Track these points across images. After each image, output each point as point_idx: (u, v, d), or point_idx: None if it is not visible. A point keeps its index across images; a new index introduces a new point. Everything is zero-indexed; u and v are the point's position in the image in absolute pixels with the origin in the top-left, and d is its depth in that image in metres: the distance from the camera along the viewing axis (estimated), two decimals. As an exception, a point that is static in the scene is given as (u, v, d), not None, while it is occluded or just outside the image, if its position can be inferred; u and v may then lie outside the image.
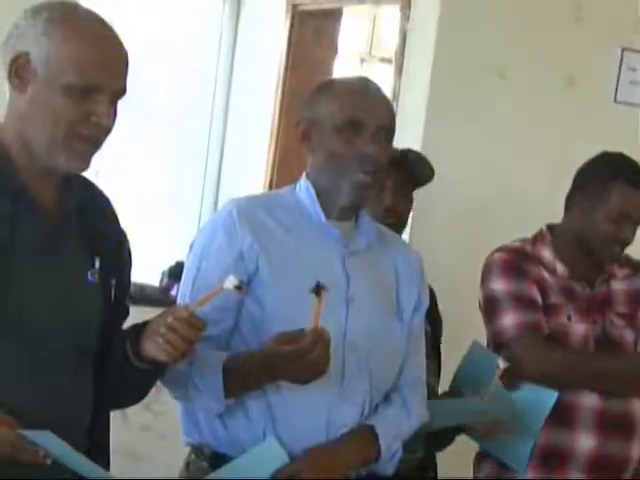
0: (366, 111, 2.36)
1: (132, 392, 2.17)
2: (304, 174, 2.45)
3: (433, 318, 2.92)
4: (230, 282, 2.04)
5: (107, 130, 1.99)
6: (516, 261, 3.01)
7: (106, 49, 1.98)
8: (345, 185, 2.35)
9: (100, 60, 1.96)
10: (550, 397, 2.83)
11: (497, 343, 2.98)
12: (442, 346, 2.97)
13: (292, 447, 2.27)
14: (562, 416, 2.89)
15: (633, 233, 3.01)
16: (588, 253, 3.03)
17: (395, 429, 2.39)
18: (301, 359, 2.14)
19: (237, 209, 2.35)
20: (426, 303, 2.53)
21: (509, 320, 2.96)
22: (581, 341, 2.96)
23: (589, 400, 2.92)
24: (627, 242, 3.01)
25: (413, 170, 2.92)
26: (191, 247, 2.41)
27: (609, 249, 3.01)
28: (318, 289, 2.10)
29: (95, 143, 1.99)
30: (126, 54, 2.02)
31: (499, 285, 3.00)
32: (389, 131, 2.40)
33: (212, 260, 2.32)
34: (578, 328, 2.96)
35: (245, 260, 2.30)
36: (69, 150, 1.96)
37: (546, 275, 3.01)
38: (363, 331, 2.35)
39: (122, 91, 2.00)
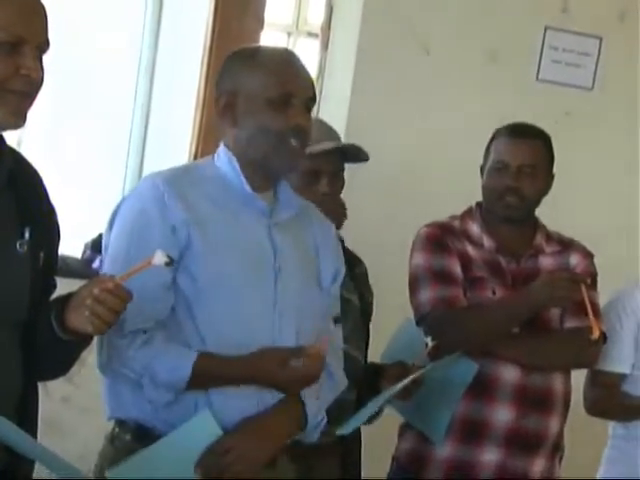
0: (297, 83, 2.37)
1: (58, 364, 2.15)
2: (222, 146, 2.43)
3: (363, 292, 2.94)
4: (159, 258, 2.01)
5: (38, 83, 1.97)
6: (439, 235, 3.04)
7: (25, 2, 1.96)
8: (281, 154, 2.35)
9: (21, 13, 1.94)
10: (470, 368, 2.87)
11: (417, 318, 3.02)
12: (376, 322, 2.97)
13: (223, 419, 2.28)
14: (481, 389, 2.93)
15: (521, 182, 3.00)
16: (493, 217, 3.05)
17: (321, 395, 2.40)
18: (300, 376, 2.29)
19: (163, 181, 2.33)
20: (343, 272, 2.56)
21: (425, 295, 2.99)
22: None
23: (509, 374, 2.95)
24: (516, 191, 3.00)
25: (351, 155, 2.89)
26: (111, 223, 2.38)
27: (499, 201, 3.02)
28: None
29: (28, 97, 1.97)
30: (44, 6, 2.00)
31: (420, 260, 3.03)
32: (314, 102, 2.43)
33: (145, 235, 2.28)
34: None
35: (177, 233, 2.28)
36: (4, 106, 1.94)
37: (471, 249, 3.04)
38: (291, 301, 2.37)
39: (46, 44, 1.99)
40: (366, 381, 2.84)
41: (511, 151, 3.03)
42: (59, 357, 2.11)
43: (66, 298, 2.04)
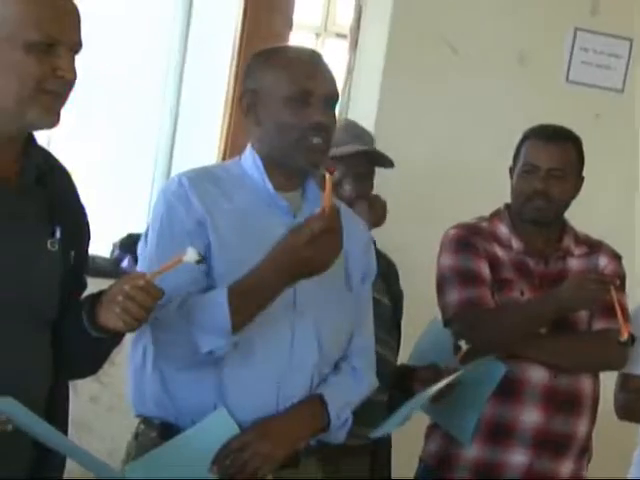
0: (315, 81, 2.36)
1: (89, 362, 2.16)
2: (248, 146, 2.44)
3: (393, 293, 2.93)
4: (190, 256, 2.02)
5: (71, 84, 1.99)
6: (467, 236, 3.03)
7: (58, 3, 1.98)
8: (301, 152, 2.34)
9: (55, 14, 1.96)
10: (498, 370, 2.86)
11: (445, 319, 3.01)
12: (403, 323, 2.97)
13: (242, 418, 2.28)
14: (509, 390, 2.92)
15: (550, 185, 2.98)
16: (521, 219, 3.04)
17: (344, 397, 2.40)
18: (320, 238, 2.15)
19: (187, 179, 2.35)
20: (374, 272, 2.55)
21: (453, 296, 2.98)
22: None
23: (538, 375, 2.95)
24: (545, 194, 2.99)
25: (377, 159, 2.89)
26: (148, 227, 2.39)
27: (528, 204, 3.01)
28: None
29: (62, 97, 1.99)
30: (77, 7, 2.02)
31: (448, 261, 3.03)
32: (336, 100, 2.42)
33: (173, 231, 2.29)
34: None
35: (201, 230, 2.30)
36: (39, 107, 1.96)
37: (499, 251, 3.03)
38: (312, 301, 2.36)
39: (79, 44, 2.00)
40: (398, 383, 2.83)
41: (541, 154, 3.01)
42: (89, 355, 2.12)
43: (97, 295, 2.05)
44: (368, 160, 2.84)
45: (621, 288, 3.02)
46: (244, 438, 2.26)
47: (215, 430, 2.25)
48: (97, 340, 2.04)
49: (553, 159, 3.00)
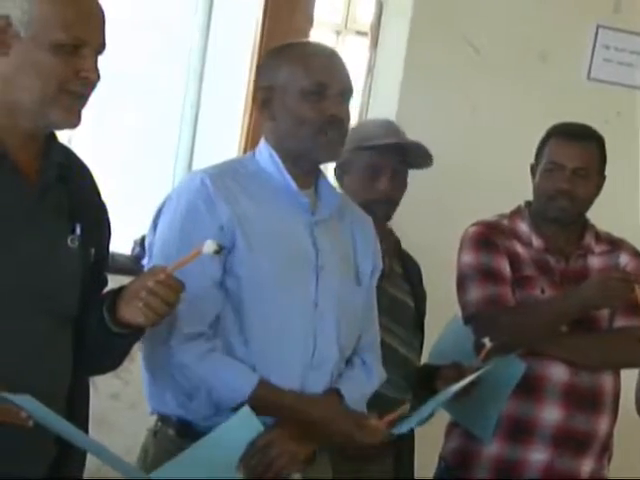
0: (330, 74, 2.38)
1: (109, 358, 2.16)
2: (262, 141, 2.44)
3: (417, 294, 2.93)
4: (209, 247, 2.01)
5: (94, 84, 2.01)
6: (487, 234, 3.03)
7: (85, 4, 1.99)
8: (318, 145, 2.35)
9: (82, 15, 1.97)
10: (518, 368, 2.85)
11: (465, 317, 3.01)
12: (427, 321, 2.97)
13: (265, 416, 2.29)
14: (530, 388, 2.92)
15: (574, 185, 2.97)
16: (543, 218, 3.03)
17: (359, 390, 2.43)
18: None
19: (210, 178, 2.34)
20: (380, 268, 2.56)
21: (473, 294, 2.98)
22: None
23: (558, 373, 2.94)
24: (569, 193, 2.97)
25: (414, 158, 2.87)
26: (156, 222, 2.39)
27: (552, 203, 3.00)
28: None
29: (83, 98, 2.01)
30: (102, 8, 2.03)
31: (468, 259, 3.02)
32: (350, 93, 2.42)
33: (195, 232, 2.27)
34: None
35: (224, 232, 2.29)
36: (61, 107, 1.97)
37: (520, 248, 3.03)
38: (332, 301, 2.37)
39: (103, 45, 2.02)
40: (421, 382, 2.83)
41: (565, 153, 3.00)
42: (110, 351, 2.12)
43: (118, 291, 2.05)
44: (404, 159, 2.81)
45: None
46: (269, 436, 2.27)
47: (240, 430, 2.25)
48: (118, 336, 2.04)
49: (578, 158, 2.98)
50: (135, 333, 2.07)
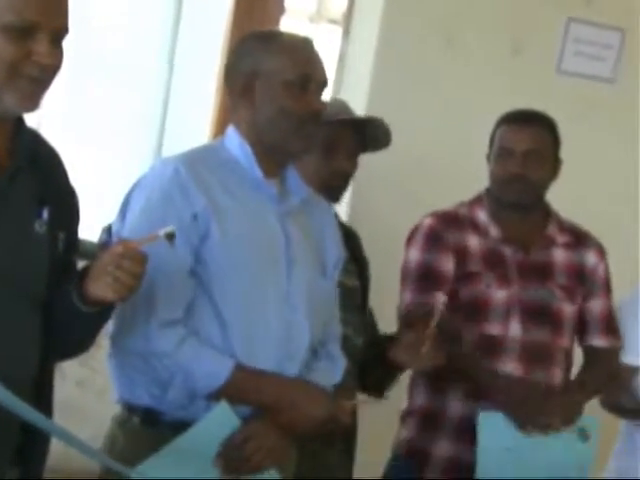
0: (314, 67, 2.38)
1: (78, 340, 2.15)
2: (232, 128, 2.42)
3: (362, 270, 2.89)
4: (164, 230, 2.02)
5: (53, 69, 1.97)
6: (438, 229, 3.00)
7: None
8: (299, 138, 2.35)
9: None
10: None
11: (397, 315, 2.99)
12: (387, 310, 2.96)
13: (242, 410, 2.28)
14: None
15: (526, 168, 2.96)
16: (500, 204, 3.02)
17: (327, 381, 2.43)
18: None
19: (184, 166, 2.32)
20: (343, 258, 2.56)
21: (405, 297, 2.98)
22: (502, 307, 2.95)
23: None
24: (522, 177, 2.96)
25: (371, 136, 2.86)
26: (124, 210, 2.36)
27: (507, 188, 2.99)
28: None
29: (41, 83, 1.96)
30: None
31: (413, 256, 3.00)
32: (327, 86, 2.43)
33: (167, 220, 2.22)
34: (498, 294, 2.95)
35: (198, 222, 2.28)
36: (15, 91, 1.94)
37: (473, 240, 3.00)
38: (303, 292, 2.37)
39: (64, 29, 1.98)
40: (371, 353, 2.81)
41: (514, 138, 3.00)
42: (79, 332, 2.11)
43: (83, 271, 2.04)
44: (360, 142, 2.81)
45: (607, 289, 3.07)
46: (247, 432, 2.26)
47: (218, 425, 2.24)
48: (86, 315, 2.03)
49: (527, 142, 2.98)
50: (103, 313, 2.06)
